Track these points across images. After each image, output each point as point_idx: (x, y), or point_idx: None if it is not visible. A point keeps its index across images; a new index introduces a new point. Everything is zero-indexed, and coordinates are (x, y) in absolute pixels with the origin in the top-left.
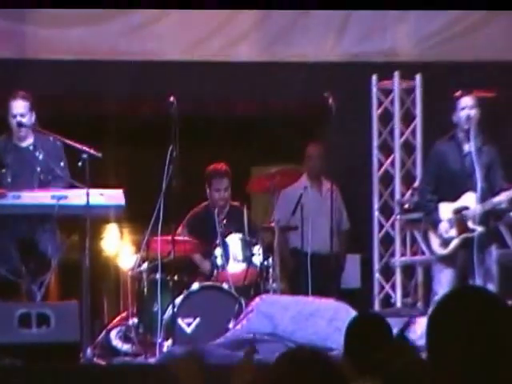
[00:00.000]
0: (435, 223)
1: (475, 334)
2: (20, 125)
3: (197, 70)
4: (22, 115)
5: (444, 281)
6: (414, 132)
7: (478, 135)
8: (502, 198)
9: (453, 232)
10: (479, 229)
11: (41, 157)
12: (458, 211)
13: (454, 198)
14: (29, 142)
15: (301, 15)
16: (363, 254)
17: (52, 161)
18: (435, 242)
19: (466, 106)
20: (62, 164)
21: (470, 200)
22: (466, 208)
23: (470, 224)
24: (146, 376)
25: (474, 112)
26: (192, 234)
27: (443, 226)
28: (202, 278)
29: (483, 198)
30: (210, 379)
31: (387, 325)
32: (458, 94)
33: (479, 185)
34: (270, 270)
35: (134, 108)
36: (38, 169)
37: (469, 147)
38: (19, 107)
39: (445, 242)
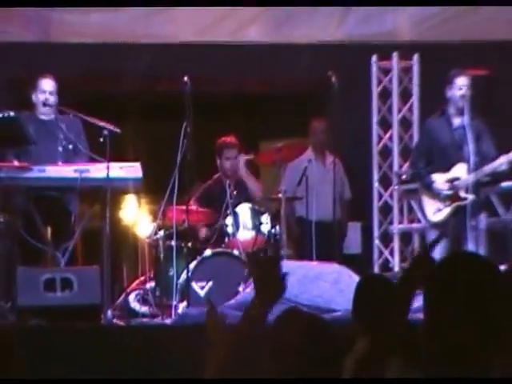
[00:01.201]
0: (428, 185)
1: (470, 295)
2: (45, 104)
3: (209, 51)
4: (50, 93)
5: (437, 247)
6: (411, 108)
7: (468, 111)
8: (501, 160)
9: (445, 200)
10: (470, 197)
11: (63, 127)
12: (449, 181)
13: (446, 170)
14: (51, 116)
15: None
16: (364, 221)
17: (73, 135)
18: (429, 210)
19: (463, 86)
20: (82, 137)
21: (461, 171)
22: (457, 179)
23: (462, 193)
24: (162, 336)
25: (468, 92)
26: (204, 205)
27: (437, 195)
28: (215, 244)
29: (475, 168)
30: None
31: (392, 284)
32: (455, 71)
33: (471, 156)
34: (278, 237)
35: (150, 87)
36: (61, 139)
37: (460, 122)
38: (48, 86)
39: (438, 210)
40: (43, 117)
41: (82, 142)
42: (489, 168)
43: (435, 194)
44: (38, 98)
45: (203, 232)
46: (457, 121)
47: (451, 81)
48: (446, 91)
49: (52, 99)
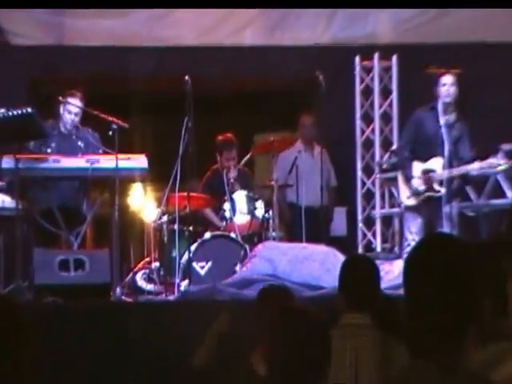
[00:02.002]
0: (408, 178)
1: (445, 272)
2: (72, 122)
3: (208, 52)
4: (75, 114)
5: (413, 229)
6: (391, 104)
7: (453, 111)
8: (474, 166)
9: (421, 187)
10: (442, 190)
11: (82, 146)
12: (425, 172)
13: (426, 159)
14: (72, 132)
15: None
16: (348, 207)
17: (91, 149)
18: (404, 195)
19: (447, 83)
20: (100, 151)
21: (437, 164)
22: (433, 171)
23: (436, 185)
24: (166, 311)
25: (453, 89)
26: (206, 192)
27: (415, 182)
28: (213, 228)
29: (448, 165)
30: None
31: (375, 265)
32: (435, 70)
33: (447, 153)
34: (270, 221)
35: (155, 86)
36: (82, 149)
37: (445, 120)
38: (75, 107)
39: (412, 195)
40: (65, 131)
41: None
42: (462, 169)
43: (410, 186)
44: (65, 115)
45: (216, 219)
46: (442, 119)
47: (437, 80)
48: (435, 89)
49: (77, 119)
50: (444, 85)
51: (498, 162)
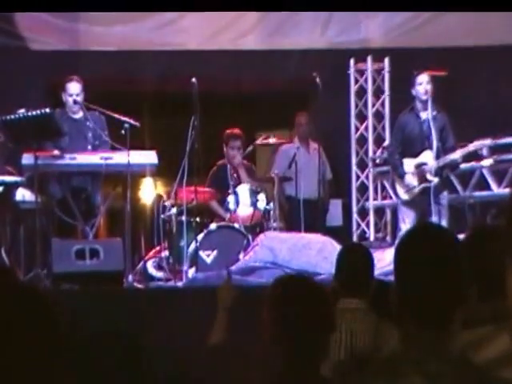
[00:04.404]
0: (401, 176)
1: (433, 259)
2: (75, 102)
3: (213, 56)
4: (76, 95)
5: (407, 220)
6: (383, 103)
7: (432, 105)
8: (456, 155)
9: (414, 182)
10: (435, 180)
11: (91, 126)
12: (418, 166)
13: (415, 156)
14: (80, 115)
15: (294, 13)
16: (344, 199)
17: (99, 129)
18: (400, 190)
19: (423, 82)
20: (106, 132)
21: (427, 157)
22: (425, 164)
23: (428, 176)
24: (175, 296)
25: (429, 86)
26: (211, 186)
27: (408, 178)
28: (218, 219)
29: (438, 156)
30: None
31: (370, 253)
32: (415, 72)
33: (435, 144)
34: (271, 212)
35: (164, 87)
36: (90, 135)
37: (426, 115)
38: (74, 88)
39: (408, 190)
40: (73, 115)
41: (105, 135)
42: (448, 157)
43: (403, 183)
44: (68, 99)
45: (221, 211)
46: (423, 115)
47: (413, 80)
48: (412, 90)
49: (79, 99)
50: (420, 84)
51: (482, 143)
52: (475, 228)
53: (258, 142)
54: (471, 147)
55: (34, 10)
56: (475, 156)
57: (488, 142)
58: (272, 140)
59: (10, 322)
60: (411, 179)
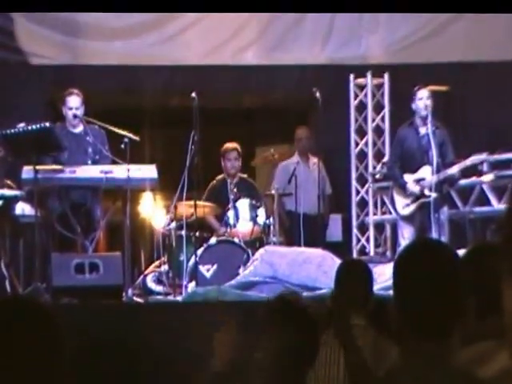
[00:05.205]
0: (402, 186)
1: (433, 275)
2: (75, 116)
3: (213, 71)
4: (76, 108)
5: (406, 235)
6: (383, 119)
7: (432, 121)
8: (453, 170)
9: (416, 190)
10: (434, 195)
11: (90, 141)
12: (416, 181)
13: (414, 171)
14: (80, 129)
15: (294, 28)
16: (344, 214)
17: (99, 144)
18: (399, 205)
19: (423, 97)
20: (106, 147)
21: (426, 172)
22: (423, 179)
23: (427, 191)
24: (174, 311)
25: (429, 102)
26: (210, 201)
27: (410, 186)
28: (218, 234)
29: (438, 170)
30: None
31: (369, 268)
32: (416, 87)
33: (435, 159)
34: (271, 227)
35: (164, 101)
36: (90, 150)
37: (425, 130)
38: (74, 102)
39: (407, 205)
40: (73, 129)
41: (105, 149)
42: (446, 172)
43: (404, 192)
44: (67, 112)
45: (219, 226)
46: (422, 130)
47: (414, 95)
48: (411, 105)
49: (79, 113)
50: (420, 99)
51: (479, 158)
52: (475, 244)
53: (260, 159)
54: (468, 162)
55: (39, 9)
56: (475, 171)
57: (484, 156)
58: (272, 150)
59: (10, 336)
60: (413, 187)
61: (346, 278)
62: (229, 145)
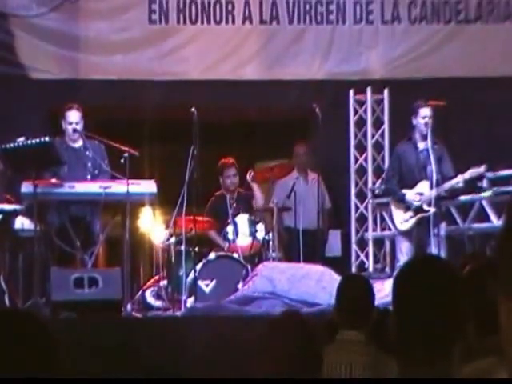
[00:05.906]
0: (401, 198)
1: (432, 291)
2: (74, 131)
3: (213, 86)
4: (76, 123)
5: (404, 250)
6: (382, 134)
7: (430, 137)
8: (453, 182)
9: (416, 199)
10: (432, 210)
11: (90, 155)
12: (416, 194)
13: (412, 186)
14: (79, 143)
15: (294, 44)
16: (343, 229)
17: (98, 158)
18: (398, 220)
19: (426, 116)
20: (105, 161)
21: (424, 187)
22: (421, 194)
23: (425, 206)
24: (173, 326)
25: (431, 121)
26: (210, 216)
27: (409, 196)
28: (217, 249)
29: (436, 185)
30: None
31: (370, 284)
32: (419, 103)
33: (434, 174)
34: (270, 242)
35: (163, 116)
36: (89, 165)
37: (424, 145)
38: (74, 117)
39: (405, 220)
40: (73, 144)
41: (105, 164)
42: (447, 185)
43: (403, 207)
44: (67, 127)
45: (220, 240)
46: (421, 145)
47: (416, 111)
48: (412, 120)
49: (79, 127)
50: (424, 117)
51: (478, 171)
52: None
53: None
54: (467, 175)
55: None
56: (475, 188)
57: (482, 169)
58: (272, 165)
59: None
60: (413, 197)
61: (347, 293)
62: (225, 161)
